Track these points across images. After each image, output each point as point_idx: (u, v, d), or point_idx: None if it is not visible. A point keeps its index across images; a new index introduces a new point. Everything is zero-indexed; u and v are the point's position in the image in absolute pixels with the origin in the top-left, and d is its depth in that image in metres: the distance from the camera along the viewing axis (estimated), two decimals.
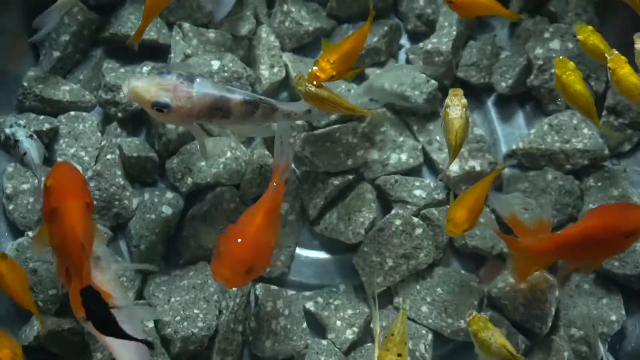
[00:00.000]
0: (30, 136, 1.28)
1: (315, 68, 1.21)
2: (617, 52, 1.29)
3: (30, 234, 1.33)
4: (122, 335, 1.05)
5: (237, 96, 1.22)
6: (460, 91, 1.27)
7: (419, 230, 1.35)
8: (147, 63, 1.44)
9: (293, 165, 1.42)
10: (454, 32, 1.46)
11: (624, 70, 1.26)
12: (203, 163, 1.38)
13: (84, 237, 1.06)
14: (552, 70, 1.42)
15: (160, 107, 1.15)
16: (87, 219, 1.09)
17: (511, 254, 1.26)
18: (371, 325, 1.33)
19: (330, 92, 1.24)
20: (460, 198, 1.22)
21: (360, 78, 1.48)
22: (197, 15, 1.48)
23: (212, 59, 1.42)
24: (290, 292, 1.36)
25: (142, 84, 1.15)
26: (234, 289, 1.31)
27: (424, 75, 1.45)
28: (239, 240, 1.10)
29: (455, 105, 1.25)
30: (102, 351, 1.30)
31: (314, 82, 1.21)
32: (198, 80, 1.19)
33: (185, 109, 1.17)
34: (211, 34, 1.47)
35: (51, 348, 1.29)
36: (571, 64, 1.28)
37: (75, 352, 1.31)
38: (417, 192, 1.39)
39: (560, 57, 1.29)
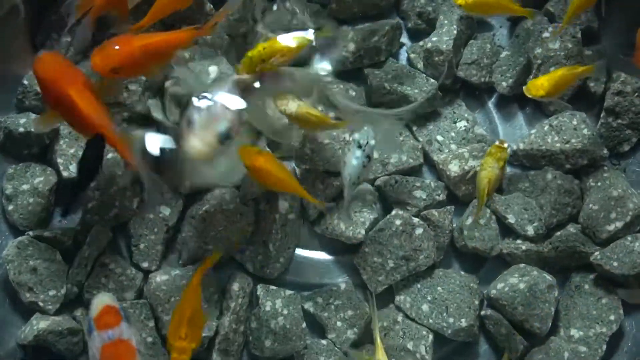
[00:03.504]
0: None
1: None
2: None
3: (31, 233, 1.33)
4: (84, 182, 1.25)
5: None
6: (504, 146, 1.28)
7: (419, 231, 1.35)
8: None
9: (293, 164, 1.43)
10: (455, 31, 1.45)
11: None
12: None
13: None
14: (552, 69, 1.42)
15: (225, 138, 1.15)
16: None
17: None
18: (371, 327, 1.34)
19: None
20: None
21: (359, 78, 1.48)
22: (196, 16, 1.47)
23: (209, 65, 1.41)
24: (289, 292, 1.36)
25: (199, 141, 1.14)
26: (235, 288, 1.32)
27: (424, 75, 1.45)
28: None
29: (497, 159, 1.26)
30: None
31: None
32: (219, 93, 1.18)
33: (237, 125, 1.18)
34: (208, 36, 1.46)
35: (51, 348, 1.30)
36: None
37: (75, 352, 1.31)
38: (418, 194, 1.39)
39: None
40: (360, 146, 1.25)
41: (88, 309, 1.18)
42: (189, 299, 1.19)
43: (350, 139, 1.28)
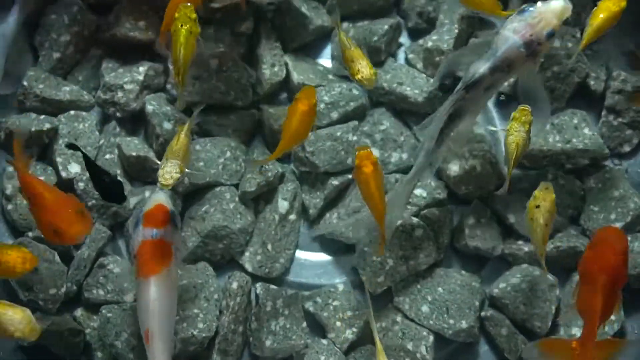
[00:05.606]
0: None
1: None
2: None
3: (30, 234, 1.33)
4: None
5: None
6: (528, 109, 1.25)
7: (418, 232, 1.35)
8: (144, 63, 1.44)
9: (292, 166, 1.43)
10: (456, 30, 1.45)
11: None
12: (202, 163, 1.37)
13: None
14: (554, 69, 1.43)
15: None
16: None
17: None
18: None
19: None
20: None
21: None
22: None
23: (209, 58, 1.41)
24: (290, 292, 1.35)
25: None
26: (234, 287, 1.31)
27: (424, 75, 1.45)
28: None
29: (522, 122, 1.24)
30: (102, 350, 1.30)
31: None
32: None
33: None
34: (210, 30, 1.46)
35: (51, 348, 1.29)
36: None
37: (76, 352, 1.31)
38: (418, 192, 1.39)
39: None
40: None
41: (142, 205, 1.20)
42: None
43: None
